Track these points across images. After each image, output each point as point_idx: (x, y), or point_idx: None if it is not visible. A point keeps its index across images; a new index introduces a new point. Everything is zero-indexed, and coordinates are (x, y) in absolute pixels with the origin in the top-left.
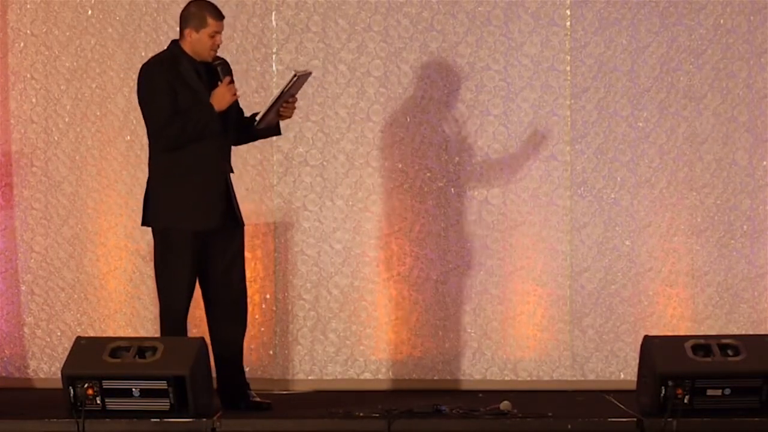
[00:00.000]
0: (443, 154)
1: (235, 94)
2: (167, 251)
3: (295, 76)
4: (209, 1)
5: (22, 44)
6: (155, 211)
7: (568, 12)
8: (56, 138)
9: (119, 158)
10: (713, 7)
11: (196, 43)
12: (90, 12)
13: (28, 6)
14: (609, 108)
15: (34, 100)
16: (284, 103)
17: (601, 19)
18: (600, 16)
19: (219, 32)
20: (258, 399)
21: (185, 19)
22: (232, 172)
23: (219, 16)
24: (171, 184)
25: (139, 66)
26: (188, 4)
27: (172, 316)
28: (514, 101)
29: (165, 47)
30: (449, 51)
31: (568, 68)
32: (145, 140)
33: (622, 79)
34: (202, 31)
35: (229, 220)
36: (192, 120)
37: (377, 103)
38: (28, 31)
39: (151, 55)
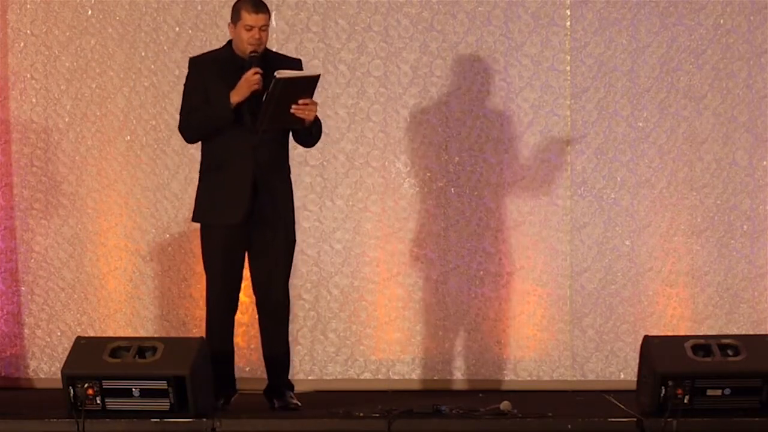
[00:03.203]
0: (443, 154)
1: (257, 84)
2: (203, 244)
3: (273, 79)
4: None
5: (22, 44)
6: (194, 205)
7: (568, 12)
8: (56, 138)
9: (119, 158)
10: (713, 7)
11: (235, 38)
12: (90, 12)
13: (28, 6)
14: (609, 108)
15: (34, 100)
16: (293, 105)
17: (601, 19)
18: (600, 16)
19: (255, 26)
20: (294, 401)
21: (231, 14)
22: (278, 167)
23: (253, 10)
24: (202, 179)
25: (139, 66)
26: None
27: (209, 307)
28: (514, 101)
29: (165, 47)
30: (449, 51)
31: (568, 68)
32: (145, 140)
33: (622, 79)
34: (238, 24)
35: (260, 218)
36: (204, 111)
37: (377, 103)
38: (28, 31)
39: (151, 55)
